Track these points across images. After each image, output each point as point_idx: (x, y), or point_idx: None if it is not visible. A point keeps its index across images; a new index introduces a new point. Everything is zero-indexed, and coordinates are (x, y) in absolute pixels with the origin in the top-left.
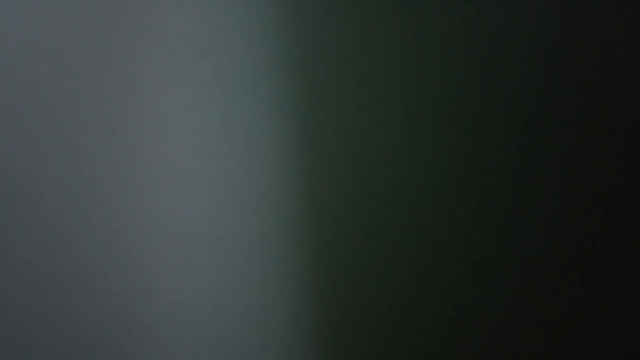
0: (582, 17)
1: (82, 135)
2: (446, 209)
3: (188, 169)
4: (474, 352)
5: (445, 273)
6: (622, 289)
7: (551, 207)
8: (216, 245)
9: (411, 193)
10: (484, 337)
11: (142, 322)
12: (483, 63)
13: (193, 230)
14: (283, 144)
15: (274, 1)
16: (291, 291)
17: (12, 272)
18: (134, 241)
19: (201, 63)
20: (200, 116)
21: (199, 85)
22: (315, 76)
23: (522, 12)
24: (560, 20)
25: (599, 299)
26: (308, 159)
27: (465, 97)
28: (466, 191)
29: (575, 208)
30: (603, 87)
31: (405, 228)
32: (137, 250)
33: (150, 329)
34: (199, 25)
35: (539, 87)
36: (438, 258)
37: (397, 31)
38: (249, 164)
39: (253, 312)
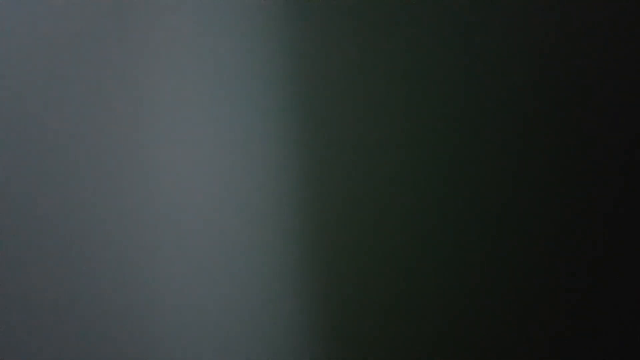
0: (583, 16)
1: (82, 137)
2: (447, 209)
3: (189, 170)
4: (475, 353)
5: (447, 274)
6: (623, 289)
7: (552, 208)
8: (217, 245)
9: (412, 195)
10: (486, 338)
11: (143, 324)
12: (484, 64)
13: (194, 231)
14: (285, 145)
15: (275, 1)
16: (294, 292)
17: (13, 273)
18: (135, 242)
19: (202, 63)
20: (201, 117)
21: (199, 86)
22: (316, 77)
23: (522, 12)
24: (560, 20)
25: (599, 299)
26: (310, 161)
27: (466, 98)
28: (467, 191)
29: (576, 209)
30: (603, 87)
31: (406, 229)
32: (138, 251)
33: (151, 330)
34: (199, 25)
35: (539, 88)
36: (439, 259)
37: (398, 31)
38: (250, 165)
39: (255, 313)
